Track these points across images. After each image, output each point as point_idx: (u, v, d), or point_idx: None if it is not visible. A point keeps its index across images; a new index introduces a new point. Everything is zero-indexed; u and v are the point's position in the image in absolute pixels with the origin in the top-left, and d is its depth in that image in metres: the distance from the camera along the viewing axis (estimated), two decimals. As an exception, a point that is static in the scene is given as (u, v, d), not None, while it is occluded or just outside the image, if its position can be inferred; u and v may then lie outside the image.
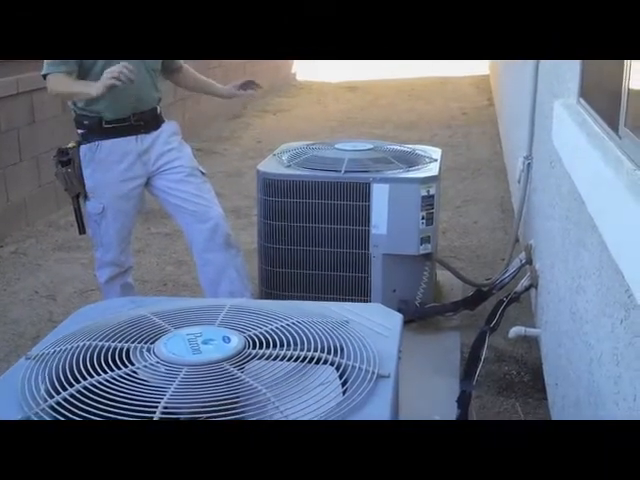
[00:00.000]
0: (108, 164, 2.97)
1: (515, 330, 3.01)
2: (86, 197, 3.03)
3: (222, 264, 3.11)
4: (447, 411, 2.46)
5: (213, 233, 3.08)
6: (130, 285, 3.26)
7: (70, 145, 3.00)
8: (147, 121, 3.02)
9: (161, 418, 1.32)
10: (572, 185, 2.23)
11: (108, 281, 3.18)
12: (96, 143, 2.95)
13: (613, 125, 1.89)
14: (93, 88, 2.76)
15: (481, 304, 3.40)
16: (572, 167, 2.25)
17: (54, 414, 1.35)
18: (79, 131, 2.99)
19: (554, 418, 2.58)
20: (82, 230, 3.13)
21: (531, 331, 3.02)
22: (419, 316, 3.38)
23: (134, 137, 2.99)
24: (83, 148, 2.97)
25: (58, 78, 2.84)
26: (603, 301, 1.79)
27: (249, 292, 3.23)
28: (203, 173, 3.18)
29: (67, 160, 2.98)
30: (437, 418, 2.63)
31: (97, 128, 2.94)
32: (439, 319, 3.43)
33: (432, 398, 2.77)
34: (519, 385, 2.91)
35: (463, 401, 2.39)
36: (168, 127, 3.12)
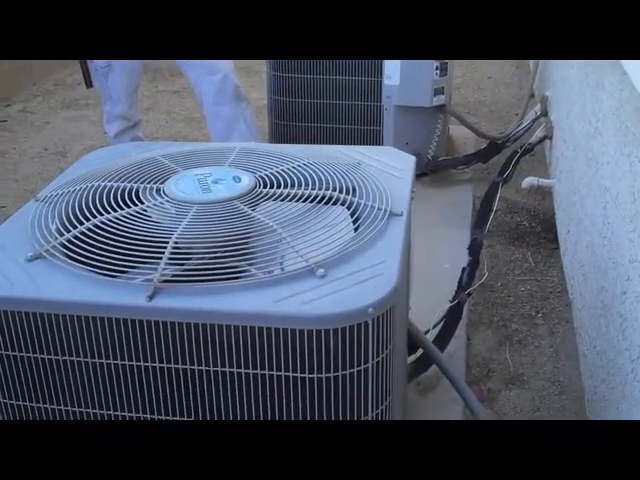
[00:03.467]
0: None
1: (528, 180, 2.96)
2: None
3: (232, 117, 3.05)
4: (458, 260, 2.45)
5: (223, 85, 3.01)
6: (140, 139, 3.22)
7: None
8: None
9: (172, 254, 1.31)
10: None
11: (118, 134, 3.14)
12: None
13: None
14: None
15: (494, 157, 3.35)
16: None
17: (65, 251, 1.34)
18: None
19: (565, 264, 2.58)
20: (89, 84, 3.06)
21: (544, 182, 2.97)
22: (431, 169, 3.34)
23: None
24: None
25: None
26: (621, 141, 1.74)
27: None
28: None
29: None
30: (447, 266, 2.64)
31: None
32: (452, 172, 3.39)
33: (443, 248, 2.77)
34: (531, 235, 2.90)
35: (474, 248, 2.37)
36: None
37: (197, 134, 4.05)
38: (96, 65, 2.98)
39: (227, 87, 3.01)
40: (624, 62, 1.66)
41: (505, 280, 2.63)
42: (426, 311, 2.15)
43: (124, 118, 3.12)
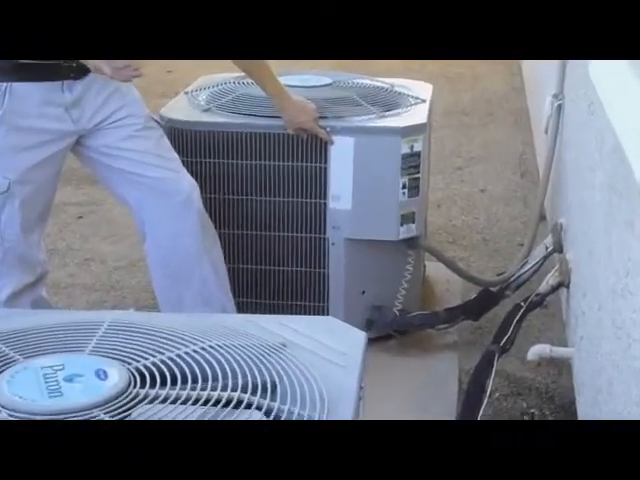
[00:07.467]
0: (21, 118, 2.80)
1: (536, 349, 3.00)
2: None
3: (194, 255, 3.02)
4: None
5: (185, 210, 2.99)
6: (44, 301, 3.06)
7: None
8: (81, 65, 2.83)
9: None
10: (617, 140, 2.22)
11: (12, 298, 2.92)
12: (4, 86, 2.76)
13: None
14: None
15: (489, 311, 3.40)
16: (616, 114, 2.24)
17: None
18: None
19: None
20: None
21: (560, 351, 3.02)
22: (399, 329, 3.38)
23: (60, 83, 2.83)
24: None
25: None
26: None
27: (232, 302, 3.12)
28: (158, 123, 3.11)
29: None
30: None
31: (8, 65, 2.73)
32: (429, 334, 3.43)
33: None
34: (543, 429, 2.92)
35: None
36: None
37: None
38: None
39: (190, 213, 3.00)
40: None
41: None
42: None
43: (22, 270, 2.95)
